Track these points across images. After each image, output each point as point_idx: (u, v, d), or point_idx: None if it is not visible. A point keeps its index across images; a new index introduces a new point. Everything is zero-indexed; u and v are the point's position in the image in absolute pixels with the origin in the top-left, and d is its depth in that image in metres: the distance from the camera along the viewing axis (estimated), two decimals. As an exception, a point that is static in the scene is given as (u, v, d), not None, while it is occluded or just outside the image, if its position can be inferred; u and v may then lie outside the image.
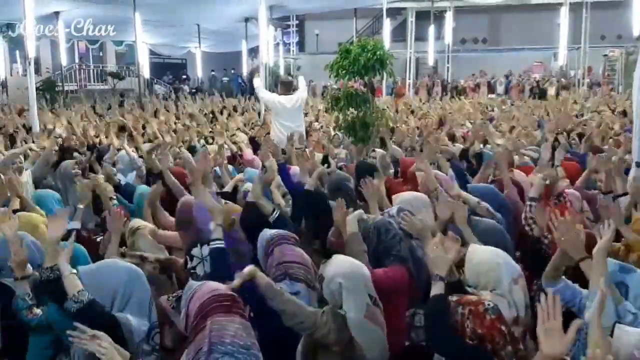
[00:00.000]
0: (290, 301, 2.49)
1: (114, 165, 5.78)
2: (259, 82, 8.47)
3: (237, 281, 2.43)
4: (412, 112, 11.48)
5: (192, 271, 2.98)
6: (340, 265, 2.63)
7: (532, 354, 2.45)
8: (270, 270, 2.84)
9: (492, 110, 11.97)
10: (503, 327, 2.29)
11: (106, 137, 7.34)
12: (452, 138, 7.55)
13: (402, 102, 14.99)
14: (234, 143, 7.18)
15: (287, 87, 8.01)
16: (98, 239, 3.87)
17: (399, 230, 3.21)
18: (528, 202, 3.80)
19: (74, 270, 2.54)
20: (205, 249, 2.97)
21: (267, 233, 3.00)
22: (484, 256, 2.65)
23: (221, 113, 11.48)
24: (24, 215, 3.59)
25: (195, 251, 2.99)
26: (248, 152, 6.54)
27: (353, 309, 2.51)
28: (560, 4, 20.51)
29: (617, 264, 2.57)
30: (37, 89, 10.02)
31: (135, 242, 3.31)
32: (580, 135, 7.29)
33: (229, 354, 2.01)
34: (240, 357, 2.03)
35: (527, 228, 3.69)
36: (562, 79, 22.74)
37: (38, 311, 2.79)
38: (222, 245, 2.91)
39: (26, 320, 2.79)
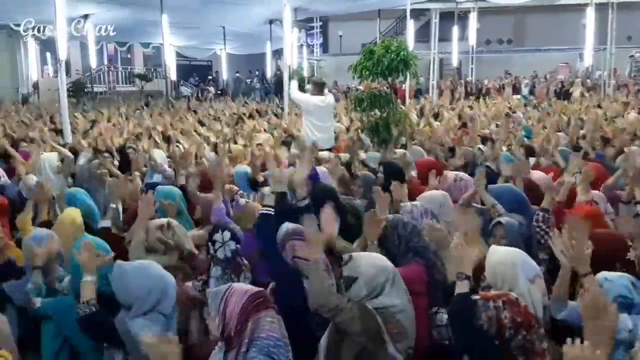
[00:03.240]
0: (323, 279, 2.50)
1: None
2: (294, 84, 8.57)
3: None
4: (436, 115, 11.46)
5: (214, 254, 3.11)
6: (375, 260, 2.66)
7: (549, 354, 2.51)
8: None
9: (514, 112, 11.89)
10: (533, 312, 2.39)
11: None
12: (485, 141, 7.52)
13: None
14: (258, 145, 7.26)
15: (320, 87, 8.10)
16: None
17: (415, 222, 3.28)
18: (539, 212, 3.72)
19: (91, 278, 2.63)
20: (227, 234, 3.14)
21: (284, 227, 3.06)
22: (501, 256, 2.67)
23: (250, 117, 11.61)
24: (67, 214, 3.78)
25: (217, 236, 3.13)
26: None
27: (399, 296, 2.56)
28: (586, 5, 20.24)
29: (603, 275, 2.54)
30: (67, 90, 10.24)
31: (174, 234, 3.41)
32: (604, 139, 7.21)
33: (264, 353, 2.10)
34: (275, 350, 2.12)
35: (538, 237, 3.65)
36: (588, 80, 22.42)
37: (37, 301, 2.92)
38: (270, 212, 3.14)
39: (27, 308, 2.96)
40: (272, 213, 3.22)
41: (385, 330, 2.50)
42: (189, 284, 3.18)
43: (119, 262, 2.74)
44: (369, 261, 2.61)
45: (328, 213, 3.04)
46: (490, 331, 2.31)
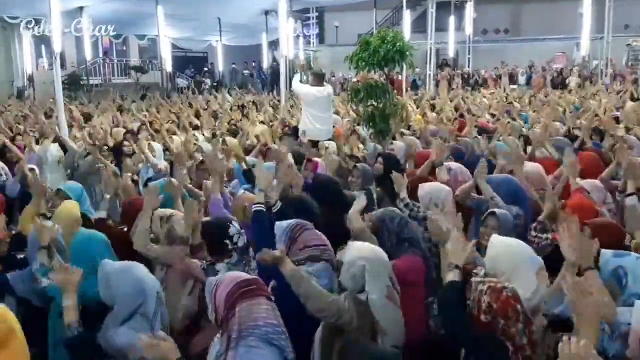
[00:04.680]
0: (315, 289, 2.54)
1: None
2: (297, 76, 8.53)
3: (263, 256, 2.57)
4: (433, 107, 11.42)
5: (235, 246, 3.16)
6: (361, 249, 2.71)
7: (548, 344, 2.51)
8: (293, 255, 2.96)
9: (510, 103, 11.86)
10: (518, 306, 2.35)
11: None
12: (484, 131, 7.50)
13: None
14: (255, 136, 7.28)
15: (320, 79, 8.07)
16: (124, 229, 4.01)
17: (403, 214, 3.31)
18: (536, 224, 3.72)
19: (71, 301, 2.59)
20: (237, 225, 3.23)
21: (285, 223, 3.10)
22: (506, 246, 2.70)
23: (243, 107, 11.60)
24: (65, 206, 3.78)
25: (232, 229, 3.20)
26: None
27: (375, 290, 2.59)
28: (583, -7, 20.20)
29: (610, 252, 2.59)
30: (62, 83, 10.19)
31: (172, 227, 3.43)
32: (597, 130, 7.21)
33: (263, 339, 2.11)
34: (275, 336, 2.14)
35: (533, 246, 3.68)
36: (584, 70, 22.38)
37: (44, 281, 2.99)
38: (261, 208, 3.19)
39: (34, 285, 3.03)
40: (264, 210, 3.25)
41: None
42: (196, 261, 3.20)
43: (105, 261, 2.74)
44: (355, 248, 2.70)
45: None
46: (473, 313, 2.37)
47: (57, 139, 6.53)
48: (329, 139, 7.22)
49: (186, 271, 3.14)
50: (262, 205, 3.25)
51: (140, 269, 2.71)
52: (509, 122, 7.86)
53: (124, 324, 2.54)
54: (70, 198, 4.14)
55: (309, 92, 7.84)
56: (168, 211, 3.55)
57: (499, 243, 2.72)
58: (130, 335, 2.47)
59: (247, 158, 5.86)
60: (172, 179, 4.31)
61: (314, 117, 7.67)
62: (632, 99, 11.39)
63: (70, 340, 2.52)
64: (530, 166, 4.95)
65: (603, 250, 2.59)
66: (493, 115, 9.49)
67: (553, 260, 3.05)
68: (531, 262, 2.63)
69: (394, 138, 7.05)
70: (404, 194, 4.08)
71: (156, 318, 2.59)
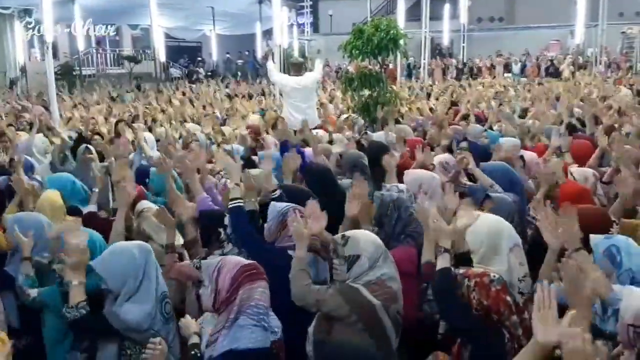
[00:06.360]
0: (302, 279, 2.59)
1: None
2: (271, 65, 8.50)
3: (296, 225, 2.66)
4: (429, 95, 11.42)
5: (229, 237, 3.17)
6: (370, 237, 2.70)
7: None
8: (282, 240, 3.00)
9: (506, 89, 11.88)
10: (508, 298, 2.35)
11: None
12: (466, 118, 7.53)
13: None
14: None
15: (298, 68, 8.04)
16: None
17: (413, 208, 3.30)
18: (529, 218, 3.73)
19: (80, 281, 2.58)
20: None
21: (278, 205, 3.10)
22: (485, 224, 2.71)
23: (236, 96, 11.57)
24: (47, 196, 3.74)
25: (227, 220, 3.21)
26: (269, 140, 6.55)
27: (388, 266, 2.62)
28: (578, -19, 20.17)
29: (600, 235, 2.60)
30: (55, 73, 10.12)
31: (140, 224, 3.40)
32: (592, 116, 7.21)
33: (255, 320, 2.21)
34: (265, 317, 2.24)
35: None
36: (580, 57, 22.37)
37: (32, 292, 2.90)
38: (239, 204, 3.13)
39: (22, 299, 2.94)
40: (242, 205, 3.19)
41: (373, 298, 2.52)
42: (187, 262, 3.19)
43: (94, 261, 2.67)
44: (366, 239, 2.66)
45: (313, 209, 2.90)
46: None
47: (41, 130, 6.52)
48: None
49: (181, 276, 3.11)
50: (240, 201, 3.17)
51: (124, 243, 2.76)
52: (500, 111, 7.87)
53: (129, 299, 2.55)
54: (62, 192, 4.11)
55: (287, 83, 7.81)
56: (144, 205, 3.52)
57: (479, 220, 2.71)
58: (137, 312, 2.51)
59: (232, 146, 5.86)
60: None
61: (293, 107, 7.64)
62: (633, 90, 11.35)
63: (77, 320, 2.52)
64: (526, 154, 4.95)
65: (593, 235, 2.60)
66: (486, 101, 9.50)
67: (534, 246, 3.11)
68: (506, 239, 2.65)
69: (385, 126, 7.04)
70: (393, 179, 4.08)
71: (158, 284, 2.61)
